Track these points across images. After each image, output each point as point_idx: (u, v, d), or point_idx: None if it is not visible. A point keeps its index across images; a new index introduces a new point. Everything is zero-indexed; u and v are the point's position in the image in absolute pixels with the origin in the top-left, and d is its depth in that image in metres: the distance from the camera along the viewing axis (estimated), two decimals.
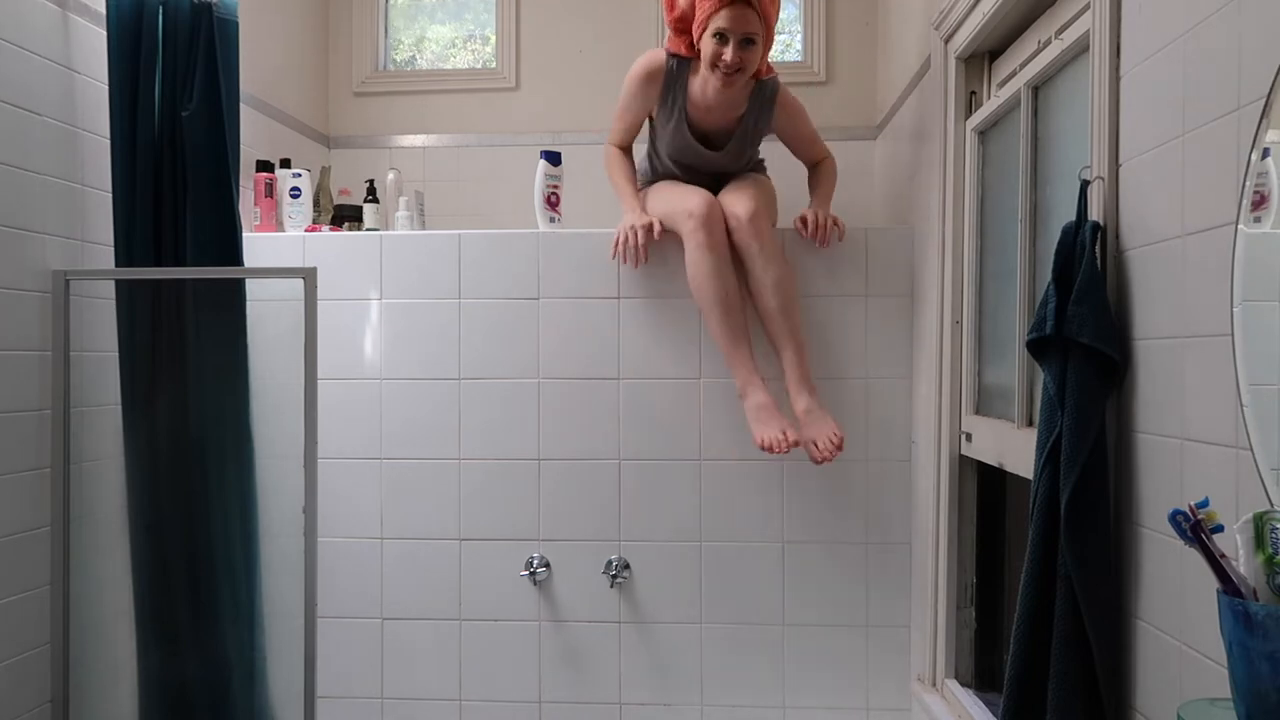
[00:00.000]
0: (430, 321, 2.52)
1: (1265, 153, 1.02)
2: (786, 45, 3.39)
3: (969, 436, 2.13)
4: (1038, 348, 1.43)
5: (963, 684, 2.18)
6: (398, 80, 3.44)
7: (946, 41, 2.21)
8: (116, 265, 2.12)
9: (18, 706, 1.95)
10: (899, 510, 2.49)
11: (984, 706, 2.04)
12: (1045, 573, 1.40)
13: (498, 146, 3.34)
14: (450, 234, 2.54)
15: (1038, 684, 1.40)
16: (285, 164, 2.72)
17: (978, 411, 2.14)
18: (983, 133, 2.15)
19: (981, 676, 2.19)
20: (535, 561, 2.51)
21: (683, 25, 2.33)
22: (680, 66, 2.37)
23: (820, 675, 2.50)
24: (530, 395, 2.51)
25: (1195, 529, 0.91)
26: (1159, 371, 1.29)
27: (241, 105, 2.24)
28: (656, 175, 2.56)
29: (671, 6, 2.34)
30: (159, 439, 2.15)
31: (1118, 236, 1.40)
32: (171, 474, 2.15)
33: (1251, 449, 1.02)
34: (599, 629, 2.52)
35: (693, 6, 2.27)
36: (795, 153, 2.57)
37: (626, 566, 2.51)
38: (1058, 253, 1.41)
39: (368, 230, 2.71)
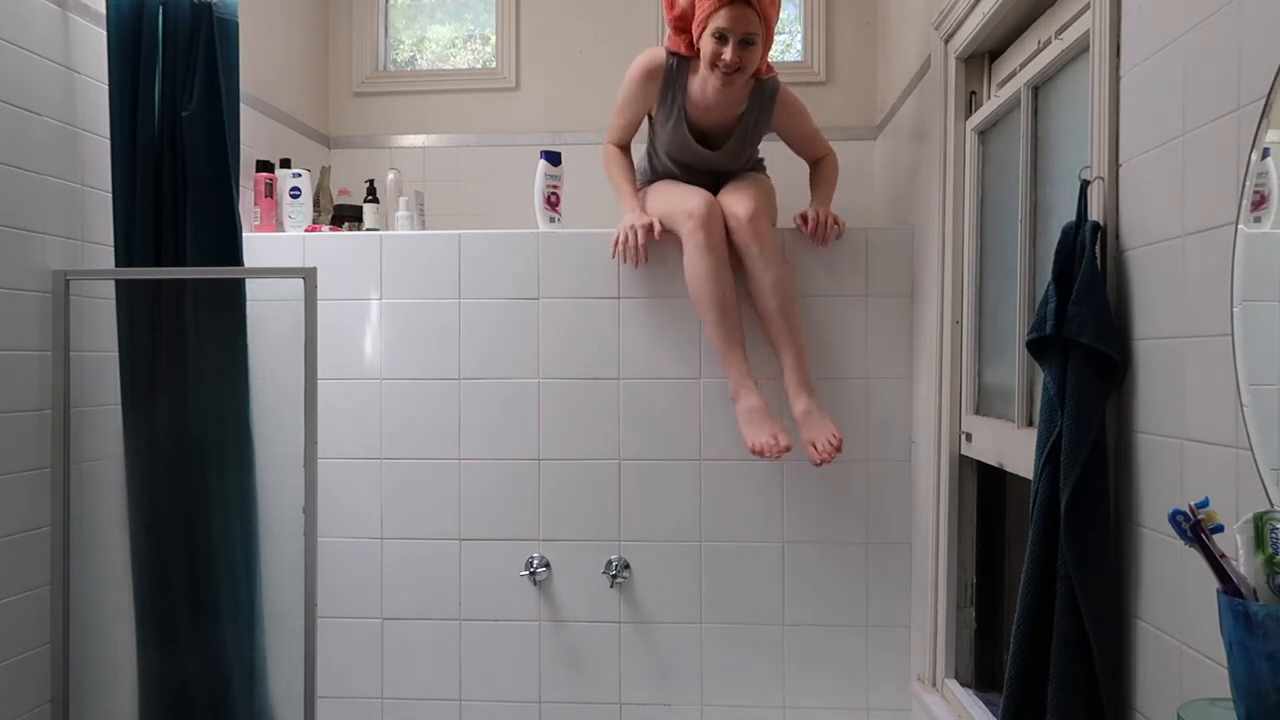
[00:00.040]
0: (430, 321, 2.52)
1: (1265, 153, 1.02)
2: (786, 45, 3.39)
3: (969, 436, 2.13)
4: (1038, 348, 1.43)
5: (963, 684, 2.18)
6: (398, 80, 3.44)
7: (946, 41, 2.21)
8: (116, 265, 2.12)
9: (18, 706, 1.95)
10: (899, 510, 2.49)
11: (984, 706, 2.04)
12: (1045, 573, 1.40)
13: (498, 146, 3.34)
14: (450, 234, 2.54)
15: (1038, 684, 1.40)
16: (285, 164, 2.72)
17: (978, 411, 2.14)
18: (983, 133, 2.15)
19: (981, 676, 2.19)
20: (535, 561, 2.51)
21: (682, 24, 2.32)
22: (680, 65, 2.37)
23: (820, 675, 2.50)
24: (530, 395, 2.51)
25: (1195, 529, 0.91)
26: (1159, 371, 1.29)
27: (241, 105, 2.24)
28: (655, 174, 2.56)
29: (671, 5, 2.34)
30: (159, 439, 2.15)
31: (1118, 236, 1.40)
32: (171, 474, 2.15)
33: (1251, 449, 1.02)
34: (599, 629, 2.52)
35: (692, 5, 2.27)
36: (797, 151, 2.57)
37: (626, 566, 2.51)
38: (1058, 253, 1.41)
39: (368, 230, 2.71)
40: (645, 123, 2.54)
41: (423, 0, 3.52)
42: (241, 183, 2.32)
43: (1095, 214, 1.43)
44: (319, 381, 2.10)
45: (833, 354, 2.49)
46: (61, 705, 2.04)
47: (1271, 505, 0.96)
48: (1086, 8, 1.54)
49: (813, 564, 2.49)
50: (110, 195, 2.12)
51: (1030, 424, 1.82)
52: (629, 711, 2.52)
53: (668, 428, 2.49)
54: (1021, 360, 1.86)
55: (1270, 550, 0.87)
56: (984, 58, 2.16)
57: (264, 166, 2.66)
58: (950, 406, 2.19)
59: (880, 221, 2.99)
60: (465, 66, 3.51)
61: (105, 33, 2.09)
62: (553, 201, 2.59)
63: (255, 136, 2.78)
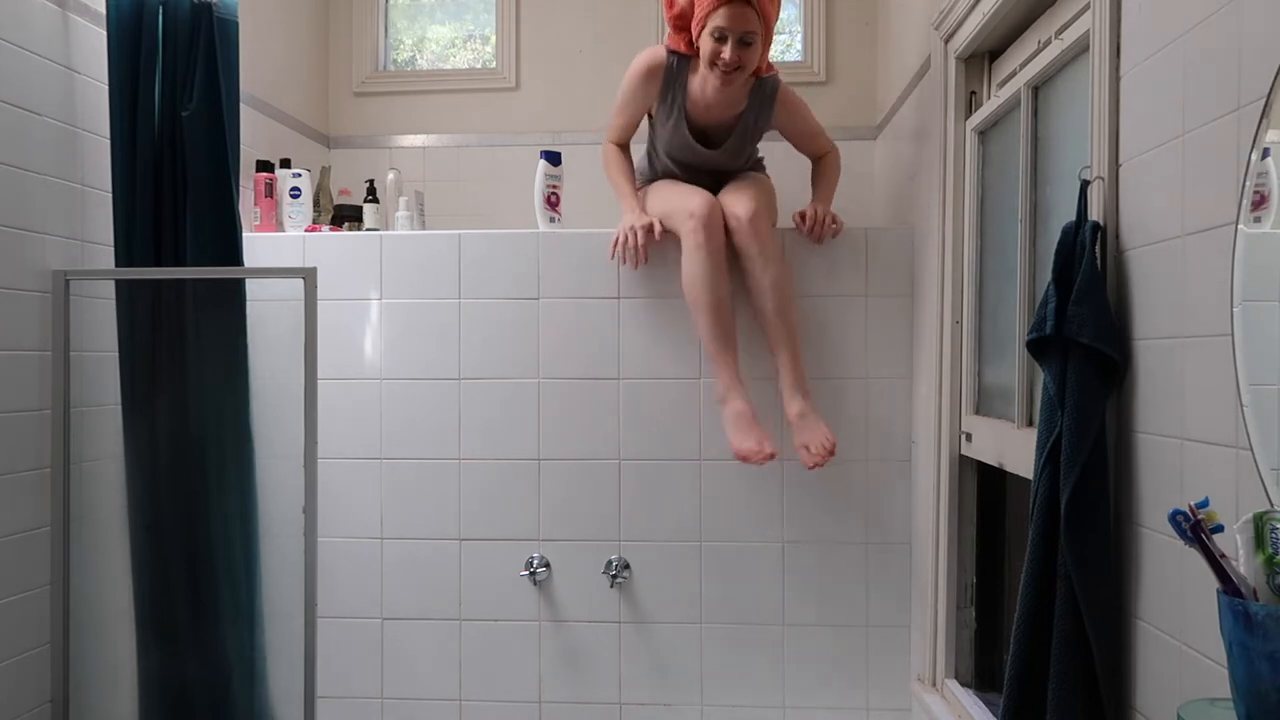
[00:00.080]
0: (430, 321, 2.52)
1: (1265, 153, 1.02)
2: (787, 45, 3.39)
3: (969, 436, 2.13)
4: (1038, 348, 1.43)
5: (963, 684, 2.18)
6: (398, 80, 3.44)
7: (946, 41, 2.21)
8: (116, 265, 2.12)
9: (18, 706, 1.95)
10: (899, 510, 2.49)
11: (984, 706, 2.04)
12: (1045, 573, 1.40)
13: (498, 146, 3.34)
14: (450, 234, 2.54)
15: (1038, 684, 1.40)
16: (285, 164, 2.72)
17: (978, 411, 2.14)
18: (983, 133, 2.15)
19: (981, 676, 2.19)
20: (535, 561, 2.51)
21: (682, 22, 2.32)
22: (680, 64, 2.37)
23: (820, 675, 2.50)
24: (530, 395, 2.51)
25: (1195, 529, 0.91)
26: (1159, 371, 1.29)
27: (241, 105, 2.24)
28: (655, 174, 2.56)
29: (670, 4, 2.33)
30: (159, 439, 2.15)
31: (1118, 236, 1.40)
32: (171, 474, 2.15)
33: (1251, 449, 1.02)
34: (599, 629, 2.52)
35: (692, 4, 2.27)
36: (799, 148, 2.56)
37: (626, 566, 2.51)
38: (1058, 253, 1.41)
39: (368, 230, 2.71)
40: (645, 122, 2.53)
41: (423, 0, 3.52)
42: (241, 183, 2.32)
43: (1095, 214, 1.43)
44: (319, 381, 2.10)
45: (833, 354, 2.48)
46: (61, 705, 2.04)
47: (1271, 505, 0.96)
48: (1086, 8, 1.54)
49: (813, 564, 2.49)
50: (110, 195, 2.12)
51: (1030, 424, 1.82)
52: (629, 711, 2.52)
53: (668, 428, 2.49)
54: (1021, 360, 1.86)
55: (1270, 550, 0.87)
56: (984, 58, 2.16)
57: (264, 166, 2.66)
58: (950, 406, 2.19)
59: (880, 221, 2.99)
60: (465, 66, 3.51)
61: (105, 33, 2.09)
62: (553, 201, 2.59)
63: (255, 136, 2.78)
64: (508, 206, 3.17)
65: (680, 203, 2.36)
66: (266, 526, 2.25)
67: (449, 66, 3.51)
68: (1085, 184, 1.43)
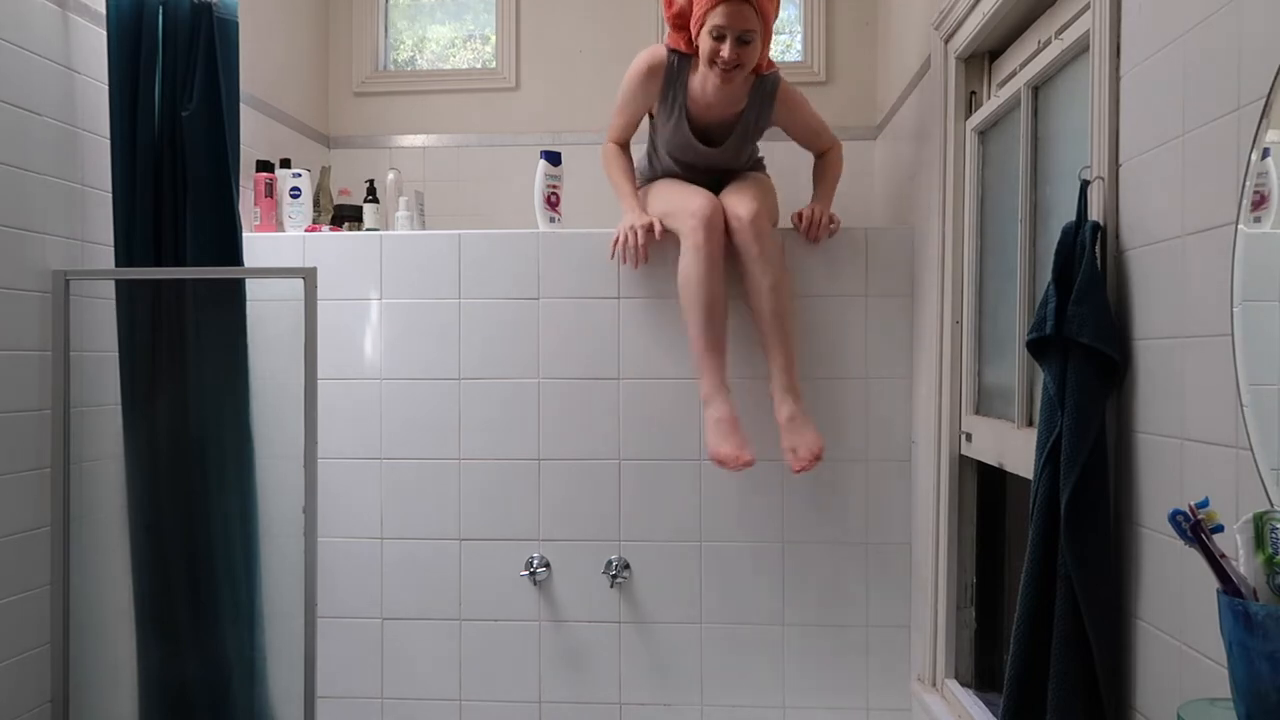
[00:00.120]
0: (430, 321, 2.52)
1: (1265, 153, 1.02)
2: (787, 45, 3.39)
3: (969, 436, 2.13)
4: (1038, 348, 1.43)
5: (963, 684, 2.18)
6: (398, 80, 3.44)
7: (946, 41, 2.21)
8: (116, 265, 2.12)
9: (18, 706, 1.95)
10: (899, 510, 2.48)
11: (984, 706, 2.04)
12: (1045, 573, 1.40)
13: (498, 146, 3.34)
14: (450, 234, 2.54)
15: (1038, 684, 1.40)
16: (285, 164, 2.72)
17: (978, 411, 2.14)
18: (983, 133, 2.15)
19: (981, 676, 2.19)
20: (535, 561, 2.51)
21: (681, 21, 2.32)
22: (681, 63, 2.37)
23: (820, 675, 2.50)
24: (530, 395, 2.51)
25: (1195, 529, 0.91)
26: (1159, 371, 1.29)
27: (241, 105, 2.24)
28: (655, 174, 2.56)
29: (669, 3, 2.33)
30: (159, 439, 2.15)
31: (1118, 236, 1.40)
32: (171, 474, 2.15)
33: (1251, 449, 1.02)
34: (599, 629, 2.52)
35: (690, 3, 2.27)
36: (802, 144, 2.56)
37: (626, 566, 2.51)
38: (1058, 253, 1.41)
39: (368, 230, 2.71)
40: (646, 122, 2.53)
41: (423, 0, 3.53)
42: (241, 183, 2.32)
43: (1095, 214, 1.43)
44: (319, 381, 2.10)
45: (833, 354, 2.48)
46: (61, 705, 2.04)
47: (1271, 505, 0.96)
48: (1086, 8, 1.54)
49: (813, 564, 2.49)
50: (110, 195, 2.12)
51: (1030, 424, 1.82)
52: (629, 711, 2.52)
53: (668, 428, 2.48)
54: (1021, 360, 1.86)
55: (1270, 550, 0.87)
56: (984, 58, 2.16)
57: (264, 166, 2.66)
58: (950, 406, 2.19)
59: (880, 221, 2.99)
60: (465, 66, 3.51)
61: (105, 33, 2.09)
62: (553, 201, 2.59)
63: (255, 136, 2.78)
64: (508, 206, 3.17)
65: (682, 202, 2.36)
66: (266, 526, 2.25)
67: (449, 66, 3.51)
68: (1085, 184, 1.43)
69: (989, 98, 2.13)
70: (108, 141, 2.11)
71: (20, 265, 1.95)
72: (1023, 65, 1.92)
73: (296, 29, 3.19)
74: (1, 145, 1.88)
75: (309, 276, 2.09)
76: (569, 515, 2.52)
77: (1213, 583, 0.91)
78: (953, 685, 2.18)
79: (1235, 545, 0.90)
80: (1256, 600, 0.87)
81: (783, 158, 2.64)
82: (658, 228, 2.40)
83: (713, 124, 2.43)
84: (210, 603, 2.16)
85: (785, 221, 2.51)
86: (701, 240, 2.29)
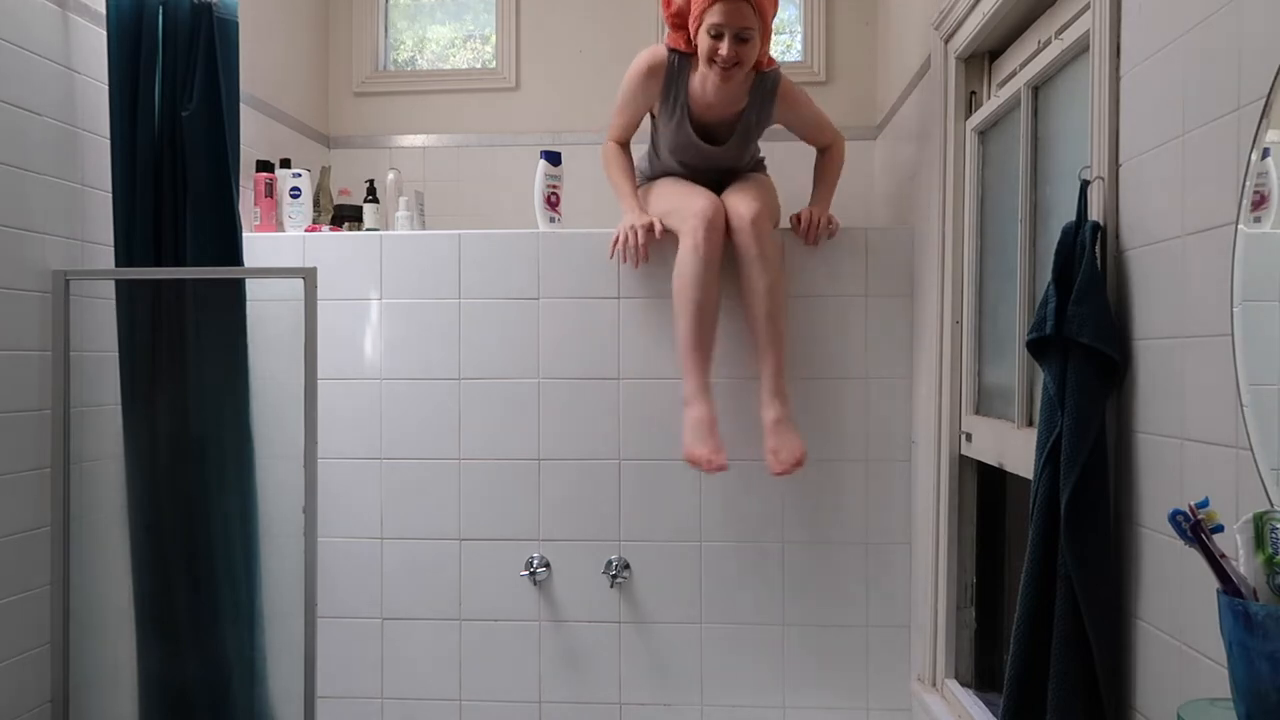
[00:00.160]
0: (430, 322, 2.52)
1: (1265, 153, 1.02)
2: (787, 46, 3.39)
3: (969, 436, 2.13)
4: (1038, 348, 1.43)
5: (963, 684, 2.18)
6: (398, 80, 3.44)
7: (946, 41, 2.21)
8: (116, 265, 2.12)
9: (18, 706, 1.95)
10: (899, 510, 2.48)
11: (984, 706, 2.04)
12: (1045, 573, 1.40)
13: (498, 146, 3.34)
14: (450, 234, 2.54)
15: (1038, 684, 1.40)
16: (285, 164, 2.72)
17: (978, 411, 2.14)
18: (983, 133, 2.15)
19: (981, 676, 2.19)
20: (535, 561, 2.51)
21: (680, 20, 2.32)
22: (681, 62, 2.37)
23: (820, 675, 2.50)
24: (530, 395, 2.51)
25: (1195, 529, 0.91)
26: (1159, 371, 1.29)
27: (241, 105, 2.24)
28: (656, 174, 2.56)
29: (668, 2, 2.33)
30: (159, 439, 2.15)
31: (1118, 236, 1.40)
32: (171, 474, 2.15)
33: (1251, 449, 1.02)
34: (599, 629, 2.52)
35: (688, 2, 2.27)
36: (805, 140, 2.56)
37: (626, 566, 2.51)
38: (1058, 253, 1.41)
39: (368, 230, 2.71)
40: (648, 122, 2.53)
41: (423, 0, 3.52)
42: (241, 183, 2.32)
43: (1095, 214, 1.43)
44: (319, 381, 2.10)
45: (833, 354, 2.48)
46: (61, 705, 2.04)
47: (1271, 505, 0.96)
48: (1086, 8, 1.54)
49: (813, 564, 2.49)
50: (110, 195, 2.12)
51: (1030, 424, 1.82)
52: (629, 711, 2.52)
53: (668, 428, 2.48)
54: (1021, 360, 1.86)
55: (1270, 550, 0.87)
56: (984, 58, 2.16)
57: (264, 166, 2.66)
58: (950, 406, 2.19)
59: (880, 221, 2.99)
60: (465, 66, 3.51)
61: (105, 33, 2.09)
62: (553, 201, 2.59)
63: (255, 136, 2.78)
64: (508, 206, 3.17)
65: (683, 202, 2.35)
66: (266, 526, 2.24)
67: (449, 66, 3.51)
68: (1085, 184, 1.43)
69: (989, 98, 2.13)
70: (108, 141, 2.11)
71: (20, 265, 1.95)
72: (1023, 65, 1.92)
73: (296, 29, 3.19)
74: (1, 145, 1.88)
75: (309, 276, 2.09)
76: (569, 515, 2.52)
77: (1213, 583, 0.91)
78: (953, 685, 2.18)
79: (1235, 545, 0.90)
80: (1256, 600, 0.87)
81: (783, 157, 2.64)
82: (658, 227, 2.40)
83: (714, 123, 2.43)
84: (210, 603, 2.16)
85: (785, 223, 2.51)
86: (701, 240, 2.29)
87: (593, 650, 2.52)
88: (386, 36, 3.49)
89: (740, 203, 2.34)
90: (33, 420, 1.99)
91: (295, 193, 2.65)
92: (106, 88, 2.10)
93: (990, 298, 2.12)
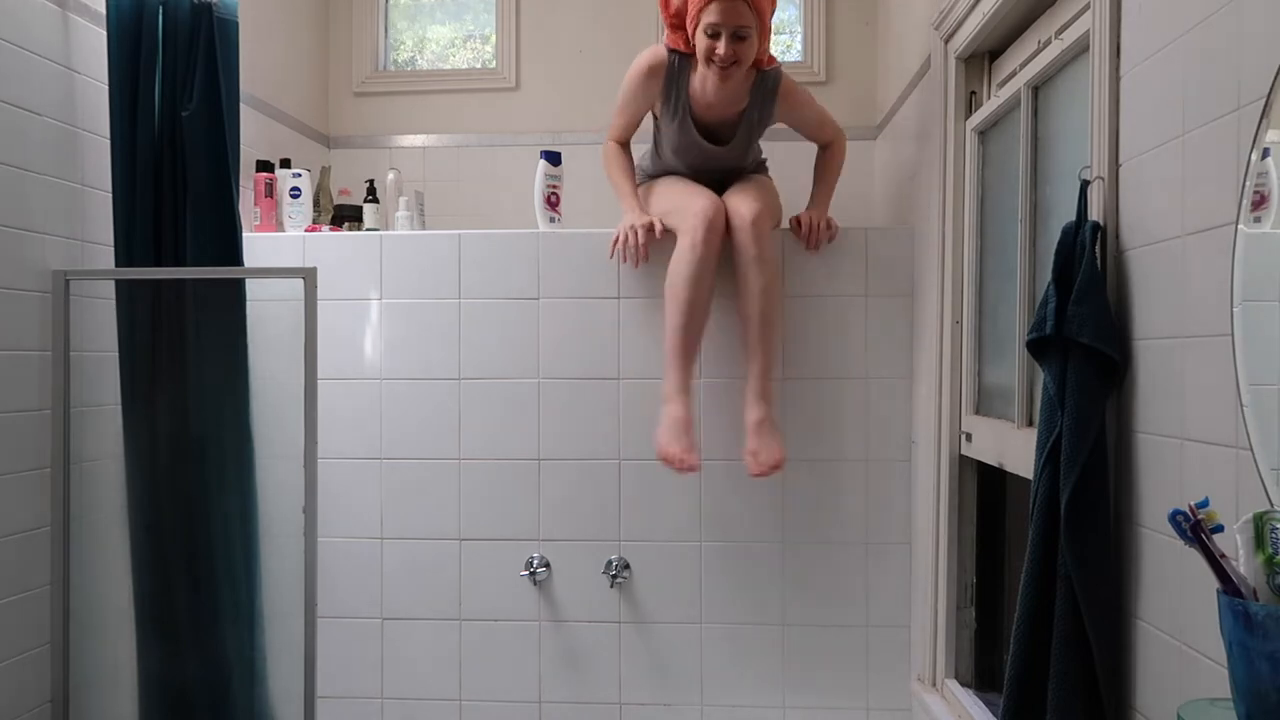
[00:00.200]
0: (430, 322, 2.52)
1: (1265, 153, 1.02)
2: (787, 46, 3.39)
3: (969, 436, 2.13)
4: (1038, 348, 1.43)
5: (963, 684, 2.18)
6: (398, 80, 3.44)
7: (946, 41, 2.21)
8: (116, 265, 2.12)
9: (18, 706, 1.95)
10: (899, 510, 2.48)
11: (984, 706, 2.04)
12: (1045, 573, 1.40)
13: (498, 146, 3.34)
14: (450, 234, 2.54)
15: (1038, 684, 1.40)
16: (285, 164, 2.72)
17: (978, 411, 2.14)
18: (983, 133, 2.15)
19: (981, 676, 2.19)
20: (535, 561, 2.51)
21: (679, 20, 2.32)
22: (682, 62, 2.37)
23: (820, 675, 2.50)
24: (530, 395, 2.51)
25: (1195, 529, 0.91)
26: (1159, 371, 1.29)
27: (241, 105, 2.24)
28: (658, 173, 2.55)
29: (666, 3, 2.33)
30: (159, 439, 2.15)
31: (1118, 236, 1.40)
32: (171, 474, 2.15)
33: (1251, 449, 1.02)
34: (599, 629, 2.52)
35: (686, 2, 2.27)
36: (806, 137, 2.55)
37: (626, 566, 2.51)
38: (1058, 253, 1.41)
39: (368, 230, 2.71)
40: (651, 124, 2.53)
41: (423, 0, 3.52)
42: (241, 183, 2.32)
43: (1095, 214, 1.43)
44: (319, 381, 2.10)
45: (833, 354, 2.48)
46: (61, 705, 2.04)
47: (1271, 505, 0.96)
48: (1086, 8, 1.54)
49: (813, 564, 2.49)
50: (110, 195, 2.12)
51: (1030, 424, 1.82)
52: (629, 711, 2.52)
53: None
54: (1021, 360, 1.86)
55: (1270, 550, 0.87)
56: (984, 58, 2.16)
57: (264, 166, 2.66)
58: (950, 406, 2.19)
59: (880, 221, 2.99)
60: (465, 66, 3.51)
61: (105, 33, 2.09)
62: (553, 201, 2.59)
63: (255, 136, 2.78)
64: (508, 206, 3.17)
65: (685, 202, 2.35)
66: (266, 526, 2.24)
67: (449, 66, 3.51)
68: (1085, 184, 1.43)
69: (989, 98, 2.13)
70: (108, 141, 2.11)
71: (20, 265, 1.95)
72: (1023, 65, 1.92)
73: (296, 29, 3.19)
74: (1, 145, 1.88)
75: (309, 276, 2.09)
76: (569, 515, 2.52)
77: (1213, 583, 0.91)
78: (953, 685, 2.18)
79: (1235, 545, 0.90)
80: (1256, 600, 0.87)
81: (784, 158, 2.64)
82: (658, 227, 2.40)
83: (716, 123, 2.43)
84: (210, 603, 2.16)
85: (785, 224, 2.51)
86: (700, 240, 2.28)
87: (593, 650, 2.52)
88: (386, 36, 3.49)
89: (741, 203, 2.34)
90: (33, 420, 1.99)
91: (295, 193, 2.65)
92: (106, 88, 2.10)
93: (990, 298, 2.12)
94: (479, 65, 3.49)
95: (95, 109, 2.14)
